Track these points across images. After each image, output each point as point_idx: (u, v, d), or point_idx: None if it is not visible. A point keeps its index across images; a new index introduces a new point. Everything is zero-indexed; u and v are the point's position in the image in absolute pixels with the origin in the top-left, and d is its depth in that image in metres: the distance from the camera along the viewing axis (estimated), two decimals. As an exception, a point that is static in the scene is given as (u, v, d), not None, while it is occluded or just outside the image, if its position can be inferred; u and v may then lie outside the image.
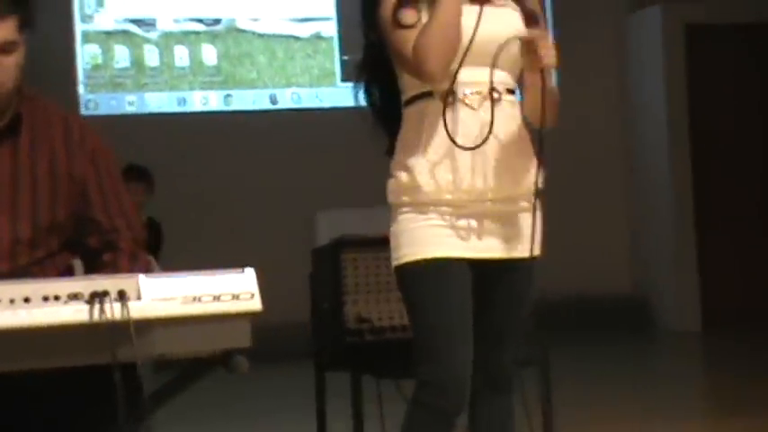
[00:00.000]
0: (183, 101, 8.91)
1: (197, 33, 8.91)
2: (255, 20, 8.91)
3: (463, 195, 2.68)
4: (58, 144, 2.85)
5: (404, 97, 2.78)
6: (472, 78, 2.70)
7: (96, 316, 2.29)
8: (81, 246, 2.90)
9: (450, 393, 2.66)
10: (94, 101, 8.76)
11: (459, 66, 2.66)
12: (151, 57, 8.85)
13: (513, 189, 2.72)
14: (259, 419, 5.86)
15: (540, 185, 2.73)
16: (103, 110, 8.76)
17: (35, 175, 2.81)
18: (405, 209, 2.72)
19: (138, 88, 8.84)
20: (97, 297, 2.30)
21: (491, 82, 2.71)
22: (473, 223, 2.70)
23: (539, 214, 2.73)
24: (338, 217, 3.52)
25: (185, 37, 8.90)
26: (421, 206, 2.70)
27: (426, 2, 2.71)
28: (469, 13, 2.69)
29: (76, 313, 2.29)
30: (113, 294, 2.31)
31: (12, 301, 2.28)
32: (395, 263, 2.73)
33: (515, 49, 2.74)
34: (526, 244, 2.72)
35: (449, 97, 2.68)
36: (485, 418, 2.82)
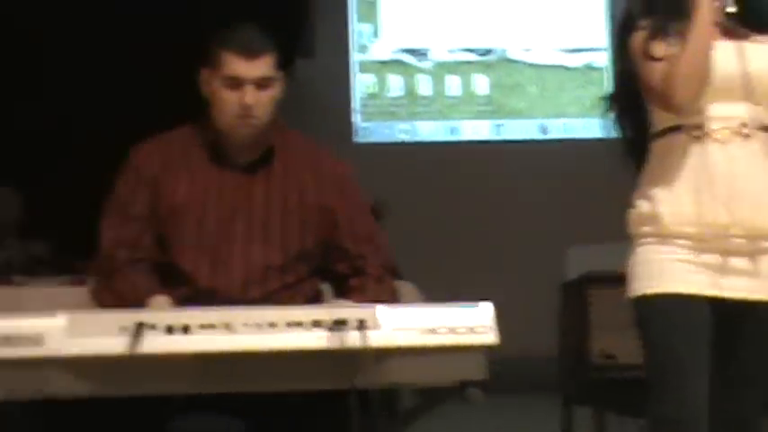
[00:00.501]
0: (454, 130, 9.04)
1: (469, 63, 9.03)
2: (527, 50, 8.95)
3: (706, 229, 2.62)
4: (308, 175, 2.98)
5: (653, 130, 2.76)
6: (723, 113, 2.65)
7: (337, 343, 2.38)
8: (330, 271, 3.01)
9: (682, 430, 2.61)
10: (368, 129, 9.00)
11: (710, 100, 2.62)
12: (424, 86, 9.02)
13: (761, 226, 2.64)
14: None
15: None
16: (377, 137, 8.99)
17: (286, 205, 2.94)
18: (644, 239, 2.69)
19: (411, 117, 9.02)
20: (338, 325, 2.39)
21: (742, 118, 2.66)
22: (716, 259, 2.63)
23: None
24: (590, 252, 3.49)
25: (458, 67, 9.03)
26: (661, 237, 2.66)
27: (677, 35, 2.68)
28: (725, 48, 2.65)
29: (318, 340, 2.39)
30: (353, 323, 2.40)
31: (258, 326, 2.40)
32: (631, 294, 2.70)
33: None
34: None
35: (697, 131, 2.65)
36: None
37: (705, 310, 2.64)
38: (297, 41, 8.67)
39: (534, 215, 8.36)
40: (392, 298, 2.90)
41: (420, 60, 9.02)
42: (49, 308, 2.44)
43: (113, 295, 2.82)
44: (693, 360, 2.63)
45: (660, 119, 2.73)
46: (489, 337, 2.42)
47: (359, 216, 3.01)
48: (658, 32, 2.69)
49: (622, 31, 2.78)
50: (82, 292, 3.00)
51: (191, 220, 2.87)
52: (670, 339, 2.64)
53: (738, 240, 2.63)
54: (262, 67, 2.87)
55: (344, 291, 2.93)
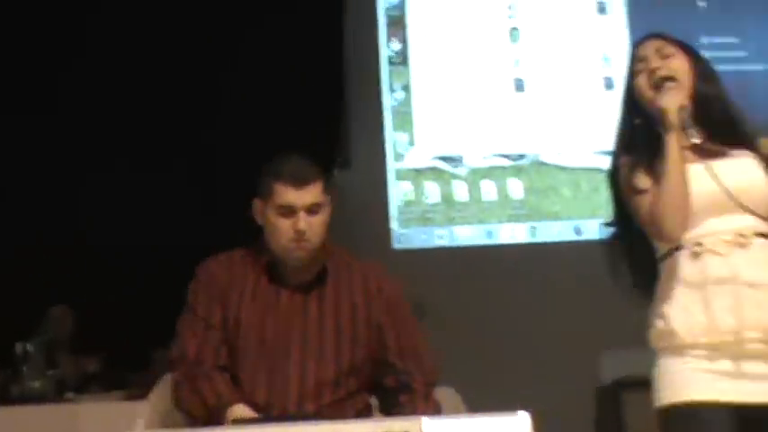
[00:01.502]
0: (490, 234, 9.21)
1: (503, 168, 9.24)
2: (559, 153, 9.15)
3: (718, 337, 2.79)
4: (358, 294, 3.18)
5: (657, 255, 2.94)
6: (718, 227, 2.84)
7: (384, 455, 2.55)
8: (378, 385, 3.19)
9: None
10: (406, 235, 9.19)
11: (704, 217, 2.81)
12: (460, 192, 9.22)
13: None
14: None
15: None
16: (415, 243, 9.17)
17: (339, 323, 3.14)
18: (663, 353, 2.87)
19: (448, 222, 9.21)
20: (388, 439, 2.56)
21: (738, 228, 2.84)
22: (730, 365, 2.80)
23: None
24: (625, 356, 3.62)
25: (491, 172, 9.24)
26: (678, 350, 2.83)
27: (657, 166, 2.88)
28: (699, 172, 2.85)
29: (367, 452, 2.56)
30: (400, 435, 2.57)
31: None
32: (654, 405, 2.86)
33: (758, 192, 2.86)
34: None
35: (697, 247, 2.83)
36: None
37: (725, 416, 2.79)
38: (334, 153, 8.94)
39: (571, 317, 8.48)
40: (437, 412, 3.07)
41: (455, 167, 9.23)
42: (103, 424, 2.62)
43: (197, 398, 3.00)
44: None
45: (662, 243, 2.92)
46: (529, 446, 2.59)
47: (405, 332, 3.20)
48: (639, 165, 2.90)
49: (611, 173, 3.00)
50: (134, 406, 3.18)
51: (252, 335, 3.07)
52: None
53: (753, 346, 2.79)
54: (312, 194, 3.10)
55: (393, 405, 3.10)
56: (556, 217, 9.18)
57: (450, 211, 9.24)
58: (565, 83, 9.25)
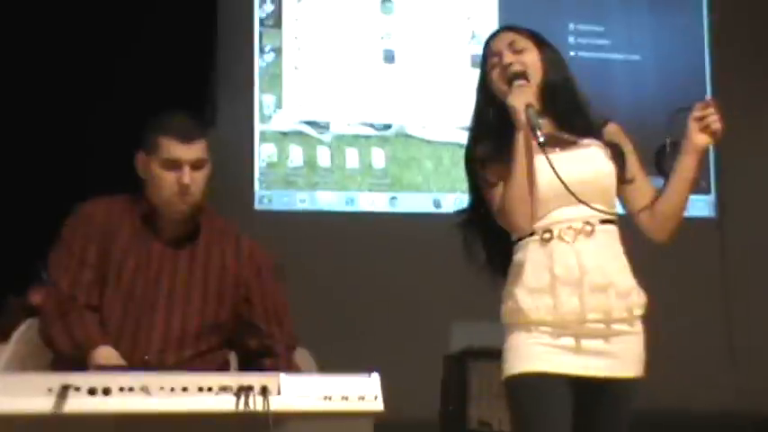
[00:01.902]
0: (351, 200, 9.36)
1: (368, 137, 9.38)
2: (424, 126, 9.34)
3: (562, 317, 2.99)
4: (229, 255, 3.29)
5: (512, 239, 3.13)
6: (567, 216, 3.04)
7: (241, 407, 2.67)
8: (240, 345, 3.31)
9: None
10: (269, 197, 9.28)
11: (554, 207, 2.99)
12: (323, 157, 9.34)
13: (610, 312, 3.01)
14: None
15: (640, 309, 3.02)
16: (276, 206, 9.27)
17: (207, 279, 3.25)
18: (512, 329, 3.06)
19: (310, 186, 9.33)
20: (243, 391, 2.69)
21: (584, 217, 3.03)
22: (571, 342, 3.01)
23: (639, 337, 3.03)
24: (472, 328, 3.82)
25: (356, 140, 9.37)
26: (525, 326, 3.03)
27: (507, 158, 3.05)
28: (555, 160, 3.02)
29: (225, 403, 2.68)
30: (257, 389, 2.69)
31: (172, 389, 2.69)
32: (503, 375, 3.05)
33: (604, 181, 3.06)
34: (626, 365, 3.01)
35: (547, 234, 3.02)
36: None
37: (565, 386, 2.99)
38: (201, 111, 8.96)
39: (425, 287, 8.69)
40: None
41: (320, 132, 9.34)
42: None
43: (66, 333, 3.06)
44: (555, 429, 2.98)
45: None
46: (377, 404, 2.75)
47: (271, 297, 3.33)
48: (491, 159, 3.07)
49: (466, 161, 3.16)
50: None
51: (122, 284, 3.15)
52: (534, 411, 2.99)
53: (594, 325, 3.00)
54: (197, 149, 3.20)
55: (256, 367, 3.22)
56: (417, 189, 9.37)
57: (312, 175, 9.35)
58: (433, 58, 9.43)
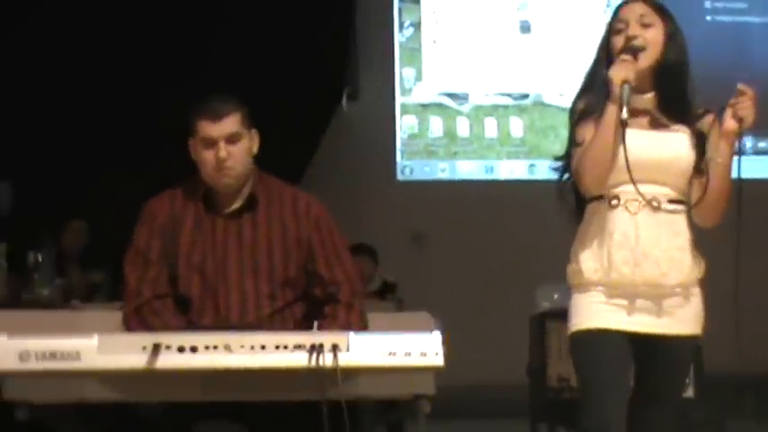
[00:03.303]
0: (490, 169, 9.58)
1: (506, 107, 9.57)
2: (561, 95, 9.46)
3: (616, 280, 3.18)
4: (287, 215, 3.57)
5: (585, 198, 3.32)
6: (635, 189, 3.18)
7: (313, 363, 2.96)
8: (310, 296, 3.59)
9: None
10: (410, 167, 9.57)
11: (627, 179, 3.15)
12: (462, 128, 9.57)
13: (661, 280, 3.18)
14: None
15: (693, 281, 3.19)
16: (418, 175, 9.55)
17: (271, 242, 3.54)
18: (575, 289, 3.26)
19: (450, 156, 9.58)
20: (315, 348, 2.97)
21: (652, 194, 3.19)
22: (624, 302, 3.19)
23: (696, 299, 3.21)
24: (556, 290, 4.04)
25: (494, 110, 9.58)
26: (586, 286, 3.22)
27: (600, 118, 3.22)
28: (637, 136, 3.18)
29: (299, 360, 2.96)
30: (328, 347, 2.97)
31: (252, 348, 2.99)
32: (568, 332, 3.26)
33: (679, 166, 3.21)
34: (680, 323, 3.19)
35: (614, 200, 3.20)
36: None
37: (622, 341, 3.19)
38: (343, 86, 9.30)
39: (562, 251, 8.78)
40: (361, 320, 3.48)
41: (459, 104, 9.57)
42: (100, 330, 3.05)
43: (143, 327, 3.42)
44: (613, 380, 3.17)
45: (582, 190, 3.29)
46: (438, 360, 2.99)
47: (332, 248, 3.59)
48: (585, 118, 3.24)
49: (569, 115, 3.35)
50: (118, 316, 3.60)
51: (195, 261, 3.47)
52: (593, 364, 3.19)
53: (644, 290, 3.18)
54: (228, 124, 3.47)
55: (320, 315, 3.50)
56: (555, 156, 9.47)
57: (452, 145, 9.59)
58: (568, 27, 9.53)
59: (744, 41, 9.60)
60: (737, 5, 9.72)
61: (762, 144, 9.66)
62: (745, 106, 3.15)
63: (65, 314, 5.56)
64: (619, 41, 3.28)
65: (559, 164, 3.41)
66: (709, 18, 9.61)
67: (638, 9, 3.30)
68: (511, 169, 9.57)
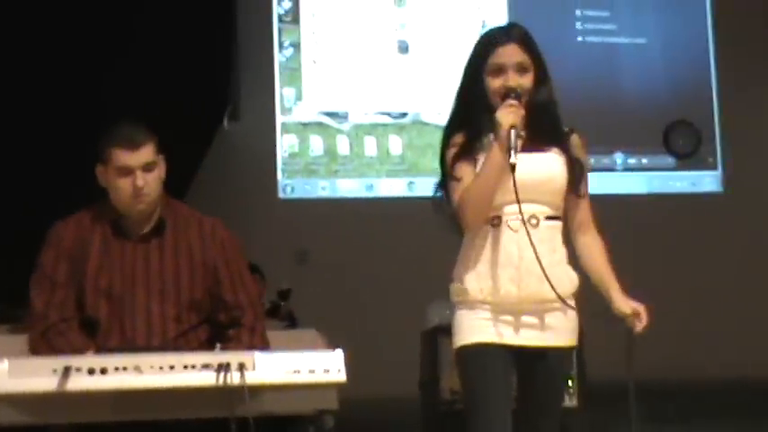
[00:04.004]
0: (371, 187, 9.75)
1: (385, 126, 9.77)
2: (439, 113, 9.67)
3: (502, 299, 3.35)
4: (194, 239, 3.68)
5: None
6: (514, 209, 3.34)
7: (221, 381, 3.07)
8: (213, 320, 3.69)
9: None
10: (291, 185, 9.69)
11: (508, 200, 3.32)
12: (343, 146, 9.74)
13: (544, 297, 3.36)
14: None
15: (571, 294, 3.39)
16: (299, 194, 9.68)
17: (178, 265, 3.64)
18: (459, 306, 3.43)
19: (331, 174, 9.73)
20: (222, 368, 3.08)
21: (531, 212, 3.36)
22: (510, 318, 3.37)
23: (572, 312, 3.41)
24: (447, 306, 4.17)
25: (374, 129, 9.77)
26: (471, 304, 3.39)
27: (481, 155, 3.38)
28: (519, 160, 3.35)
29: (207, 379, 3.08)
30: (235, 366, 3.09)
31: (161, 368, 3.09)
32: (453, 347, 3.43)
33: (554, 185, 3.40)
34: (560, 335, 3.39)
35: (495, 221, 3.36)
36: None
37: (505, 355, 3.36)
38: (225, 105, 9.37)
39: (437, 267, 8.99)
40: (263, 343, 3.60)
41: (339, 123, 9.74)
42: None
43: (50, 351, 3.48)
44: (497, 392, 3.34)
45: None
46: (341, 376, 3.13)
47: (237, 271, 3.71)
48: (464, 154, 3.40)
49: (442, 141, 3.50)
50: (20, 339, 3.66)
51: (101, 286, 3.55)
52: (478, 377, 3.36)
53: (528, 305, 3.36)
54: (145, 154, 3.56)
55: (224, 339, 3.61)
56: (434, 173, 9.66)
57: (333, 164, 9.75)
58: (445, 47, 9.76)
59: (612, 61, 9.97)
60: (606, 27, 10.08)
61: (631, 161, 10.02)
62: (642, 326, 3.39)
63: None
64: (495, 83, 3.41)
65: (437, 195, 3.55)
66: (579, 39, 9.96)
67: (516, 56, 3.42)
68: (390, 187, 9.76)
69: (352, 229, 9.32)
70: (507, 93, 3.37)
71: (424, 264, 9.20)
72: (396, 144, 9.75)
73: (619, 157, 9.94)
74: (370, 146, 9.78)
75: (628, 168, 9.96)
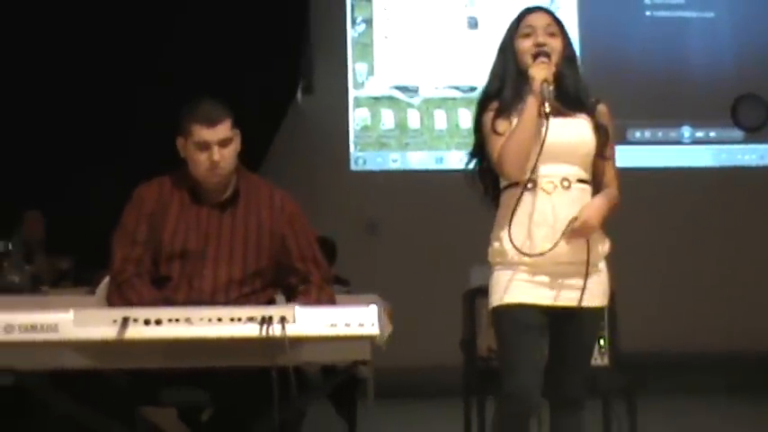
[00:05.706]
0: (440, 159, 9.97)
1: (454, 99, 9.98)
2: (508, 87, 9.84)
3: (537, 259, 3.57)
4: (264, 210, 3.95)
5: (501, 185, 3.71)
6: (548, 172, 3.58)
7: (264, 333, 3.34)
8: (284, 284, 3.98)
9: (518, 400, 3.52)
10: (363, 158, 9.95)
11: (540, 162, 3.55)
12: (413, 120, 9.97)
13: (578, 256, 3.57)
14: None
15: (601, 256, 3.60)
16: (370, 166, 9.94)
17: (247, 234, 3.92)
18: (497, 267, 3.65)
19: (402, 147, 9.97)
20: (265, 320, 3.35)
21: (563, 174, 3.59)
22: (545, 279, 3.58)
23: (603, 274, 3.62)
24: (487, 269, 4.39)
25: (444, 103, 9.98)
26: (507, 265, 3.61)
27: (518, 112, 3.62)
28: (551, 124, 3.58)
29: (251, 330, 3.34)
30: (276, 319, 3.36)
31: (210, 320, 3.37)
32: (489, 306, 3.66)
33: (585, 148, 3.62)
34: (593, 296, 3.59)
35: (529, 184, 3.58)
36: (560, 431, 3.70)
37: (538, 314, 3.58)
38: (298, 80, 9.65)
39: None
40: (330, 301, 3.88)
41: (410, 96, 9.96)
42: (66, 310, 3.41)
43: (122, 301, 3.79)
44: (529, 350, 3.57)
45: (503, 177, 3.68)
46: (374, 329, 3.38)
47: (305, 241, 3.98)
48: (503, 112, 3.63)
49: (479, 108, 3.73)
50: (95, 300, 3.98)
51: (177, 245, 3.85)
52: (512, 336, 3.58)
53: (564, 267, 3.57)
54: (222, 130, 3.84)
55: (294, 296, 3.89)
56: (502, 146, 9.86)
57: (403, 137, 9.98)
58: (514, 22, 9.89)
59: (680, 35, 10.05)
60: (675, 1, 10.15)
61: (699, 134, 10.11)
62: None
63: (37, 298, 5.91)
64: (526, 44, 3.67)
65: (472, 160, 3.79)
66: (648, 13, 10.04)
67: (545, 19, 3.71)
68: (459, 159, 9.92)
69: (421, 201, 9.54)
70: (538, 52, 3.62)
71: (482, 232, 9.41)
72: (465, 117, 9.93)
73: (686, 130, 10.03)
74: (439, 119, 9.99)
75: (695, 141, 10.05)
